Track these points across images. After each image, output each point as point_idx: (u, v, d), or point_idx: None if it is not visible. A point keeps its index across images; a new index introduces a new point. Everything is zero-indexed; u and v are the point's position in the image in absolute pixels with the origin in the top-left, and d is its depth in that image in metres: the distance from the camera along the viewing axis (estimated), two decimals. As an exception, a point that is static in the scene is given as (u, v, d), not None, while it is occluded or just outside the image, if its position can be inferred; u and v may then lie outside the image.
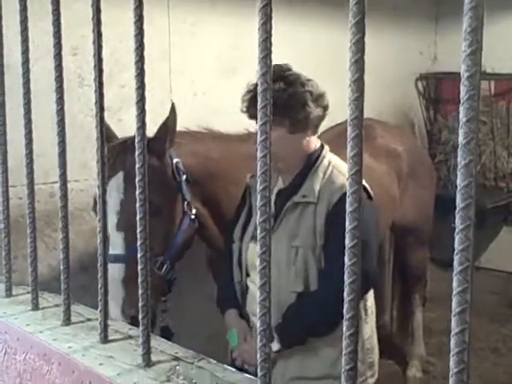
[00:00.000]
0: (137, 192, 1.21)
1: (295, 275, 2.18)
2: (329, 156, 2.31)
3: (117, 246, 2.32)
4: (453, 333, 0.71)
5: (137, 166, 1.21)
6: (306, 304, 2.18)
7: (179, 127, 2.56)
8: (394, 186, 3.49)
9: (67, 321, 1.43)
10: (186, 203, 2.50)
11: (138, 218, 1.21)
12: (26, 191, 1.55)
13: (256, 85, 2.23)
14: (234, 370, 1.19)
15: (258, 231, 0.96)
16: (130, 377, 1.16)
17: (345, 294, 0.84)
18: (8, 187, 1.68)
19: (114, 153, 2.37)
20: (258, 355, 0.97)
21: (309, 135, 2.25)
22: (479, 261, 5.23)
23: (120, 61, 3.13)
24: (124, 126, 3.03)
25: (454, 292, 0.70)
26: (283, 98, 2.11)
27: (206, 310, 3.65)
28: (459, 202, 0.70)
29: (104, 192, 1.34)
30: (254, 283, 2.33)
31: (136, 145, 1.20)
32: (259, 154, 0.95)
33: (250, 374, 2.23)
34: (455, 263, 0.72)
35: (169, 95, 3.45)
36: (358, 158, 0.79)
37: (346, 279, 0.85)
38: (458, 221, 0.70)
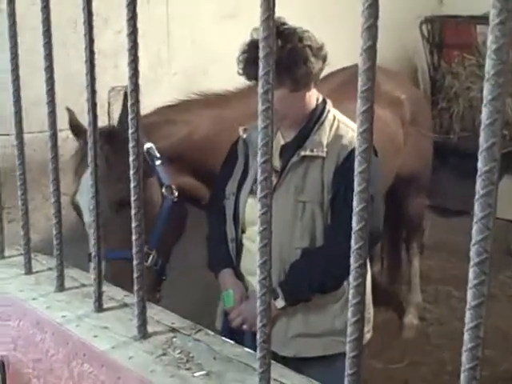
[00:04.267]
0: (132, 184, 1.14)
1: (301, 231, 2.14)
2: (333, 110, 2.26)
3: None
4: (466, 327, 0.66)
5: (130, 130, 1.14)
6: (312, 260, 2.14)
7: (169, 87, 2.47)
8: (398, 134, 3.42)
9: (61, 287, 1.39)
10: (164, 188, 2.43)
11: (132, 212, 1.14)
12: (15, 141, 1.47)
13: (251, 44, 2.15)
14: (232, 342, 1.16)
15: (259, 190, 0.90)
16: (125, 350, 1.13)
17: (351, 260, 0.79)
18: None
19: (83, 151, 2.29)
20: (258, 335, 0.93)
21: (310, 89, 2.19)
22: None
23: (116, 5, 2.99)
24: (119, 72, 2.92)
25: (470, 285, 0.65)
26: (282, 55, 2.01)
27: (203, 258, 3.65)
28: (479, 189, 0.63)
29: (95, 142, 1.28)
30: (251, 240, 2.28)
31: (128, 94, 1.12)
32: (260, 108, 0.88)
33: (244, 336, 2.25)
34: (472, 254, 0.66)
35: (166, 41, 3.32)
36: (369, 115, 0.72)
37: (353, 244, 0.79)
38: (476, 208, 0.64)
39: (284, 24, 2.11)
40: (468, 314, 0.65)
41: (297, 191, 2.14)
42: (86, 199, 2.28)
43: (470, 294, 0.65)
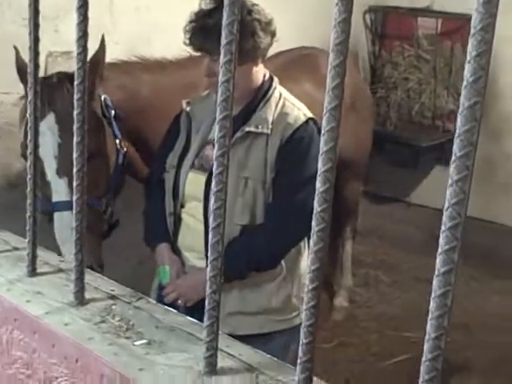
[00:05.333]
0: (75, 127, 1.07)
1: (242, 207, 2.11)
2: (279, 88, 2.24)
3: (61, 192, 2.20)
4: (434, 295, 0.64)
5: (75, 96, 1.06)
6: (251, 237, 2.12)
7: (111, 57, 2.39)
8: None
9: (-10, 250, 1.30)
10: (118, 141, 2.39)
11: (75, 158, 1.07)
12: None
13: (199, 13, 2.09)
14: (175, 311, 1.12)
15: (215, 166, 0.86)
16: (60, 316, 1.06)
17: (313, 223, 0.75)
18: None
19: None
20: (207, 302, 0.89)
21: (257, 65, 2.15)
22: (410, 197, 5.34)
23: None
24: (61, 37, 2.79)
25: (440, 250, 0.63)
26: None
27: (136, 234, 3.58)
28: (456, 150, 0.60)
29: (36, 108, 1.19)
30: (190, 215, 2.25)
31: (76, 58, 1.05)
32: (221, 78, 0.84)
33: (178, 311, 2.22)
34: (444, 218, 0.64)
35: (109, 9, 3.19)
36: (339, 91, 0.69)
37: (316, 207, 0.75)
38: (452, 170, 0.61)
39: None
40: (436, 281, 0.63)
41: (239, 167, 2.11)
42: (49, 143, 2.21)
43: (439, 260, 0.63)
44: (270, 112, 2.15)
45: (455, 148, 0.61)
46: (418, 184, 5.31)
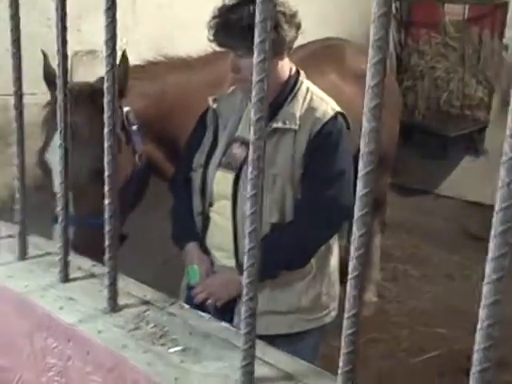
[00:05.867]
0: (105, 131, 1.05)
1: (271, 204, 2.08)
2: (306, 82, 2.20)
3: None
4: (484, 303, 0.61)
5: (105, 98, 1.04)
6: (281, 236, 2.09)
7: (134, 56, 2.36)
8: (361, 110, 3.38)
9: (23, 255, 1.29)
10: (137, 156, 2.36)
11: (106, 163, 1.06)
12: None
13: (223, 8, 2.06)
14: (208, 316, 1.10)
15: (250, 169, 0.84)
16: (94, 324, 1.05)
17: (354, 228, 0.73)
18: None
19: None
20: (243, 309, 0.87)
21: (283, 59, 2.11)
22: (439, 189, 5.25)
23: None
24: (84, 36, 2.79)
25: (491, 256, 0.60)
26: (253, 21, 1.93)
27: (162, 233, 3.57)
28: (508, 149, 0.56)
29: (66, 109, 1.18)
30: (219, 213, 2.22)
31: (105, 60, 1.03)
32: (255, 78, 0.81)
33: (207, 312, 2.21)
34: (494, 222, 0.60)
35: (132, 7, 3.17)
36: (379, 89, 0.66)
37: (357, 211, 0.73)
38: (503, 172, 0.58)
39: None
40: (486, 289, 0.60)
41: (267, 164, 2.07)
42: (57, 157, 2.20)
43: (489, 266, 0.60)
44: (298, 107, 2.12)
45: (506, 148, 0.58)
46: (446, 175, 5.22)
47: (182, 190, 2.31)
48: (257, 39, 0.80)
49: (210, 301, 2.15)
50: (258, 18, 0.79)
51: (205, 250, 2.25)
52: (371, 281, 4.22)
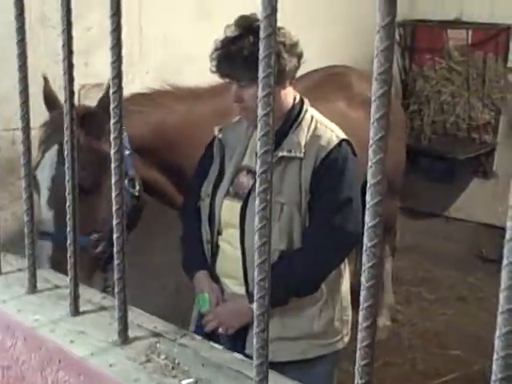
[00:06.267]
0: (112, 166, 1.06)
1: (279, 232, 2.08)
2: (310, 110, 2.21)
3: (46, 223, 2.24)
4: (499, 333, 0.60)
5: (112, 135, 1.05)
6: (290, 263, 2.09)
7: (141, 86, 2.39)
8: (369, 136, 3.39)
9: (33, 288, 1.29)
10: (127, 180, 2.35)
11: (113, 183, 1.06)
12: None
13: (225, 40, 2.09)
14: (220, 348, 1.09)
15: (257, 202, 0.84)
16: (105, 357, 1.04)
17: (364, 259, 0.73)
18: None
19: (53, 124, 2.25)
20: (255, 341, 0.86)
21: (285, 87, 2.13)
22: (448, 211, 5.23)
23: (86, 0, 2.89)
24: (91, 71, 2.82)
25: (504, 286, 0.59)
26: (254, 51, 1.97)
27: (173, 261, 3.57)
28: None
29: (73, 148, 1.19)
30: (227, 242, 2.23)
31: (112, 97, 1.05)
32: (260, 112, 0.82)
33: (219, 340, 2.20)
34: (506, 251, 0.60)
35: (138, 40, 3.21)
36: (385, 121, 0.66)
37: (366, 241, 0.73)
38: None
39: (257, 20, 2.05)
40: (501, 319, 0.59)
41: (274, 192, 2.07)
42: (45, 174, 2.26)
43: (503, 296, 0.59)
44: (303, 135, 2.13)
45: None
46: (456, 198, 5.21)
47: (192, 219, 2.32)
48: (261, 74, 0.81)
49: (220, 330, 2.14)
50: (261, 53, 0.80)
51: (215, 278, 2.25)
52: (384, 305, 4.20)
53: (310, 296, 2.16)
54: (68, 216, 1.18)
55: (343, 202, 2.10)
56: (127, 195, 2.34)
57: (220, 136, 2.26)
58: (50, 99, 2.35)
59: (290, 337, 2.17)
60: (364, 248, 0.72)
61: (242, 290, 2.19)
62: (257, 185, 0.82)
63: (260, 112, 0.81)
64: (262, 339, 0.85)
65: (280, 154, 2.09)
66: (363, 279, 0.73)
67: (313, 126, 2.16)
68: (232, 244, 2.20)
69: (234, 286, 2.23)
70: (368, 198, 0.69)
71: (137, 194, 2.40)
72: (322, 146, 2.10)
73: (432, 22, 5.01)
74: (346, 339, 2.32)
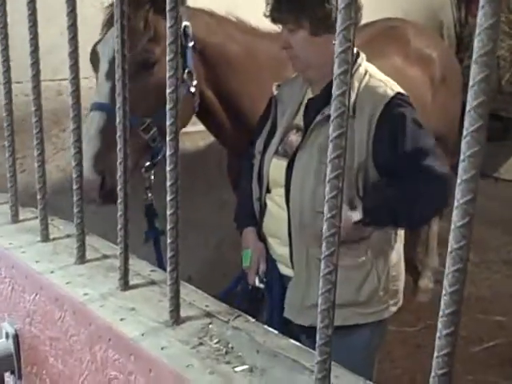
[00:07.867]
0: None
1: (323, 195, 2.01)
2: (365, 64, 2.10)
3: (103, 94, 2.19)
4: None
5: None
6: (402, 191, 2.02)
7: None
8: (427, 94, 3.25)
9: (81, 259, 1.26)
10: (186, 71, 2.30)
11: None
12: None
13: None
14: (276, 333, 1.04)
15: (328, 170, 0.77)
16: (157, 339, 1.00)
17: (448, 262, 0.66)
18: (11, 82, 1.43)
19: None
20: (318, 337, 0.81)
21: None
22: (499, 172, 5.08)
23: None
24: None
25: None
26: None
27: (214, 218, 3.55)
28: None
29: (125, 116, 1.12)
30: (273, 201, 2.20)
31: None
32: (335, 92, 0.73)
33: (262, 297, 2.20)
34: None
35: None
36: (484, 110, 0.58)
37: (453, 243, 0.66)
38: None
39: None
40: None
41: (320, 152, 2.00)
42: (107, 47, 2.22)
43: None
44: (353, 91, 2.02)
45: None
46: (506, 159, 5.04)
47: (247, 175, 2.32)
48: (338, 49, 0.72)
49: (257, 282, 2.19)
50: (339, 25, 0.71)
51: (262, 237, 2.26)
52: (428, 267, 4.14)
53: (355, 264, 2.10)
54: (119, 187, 1.12)
55: (426, 147, 2.00)
56: (183, 87, 2.28)
57: (275, 93, 2.23)
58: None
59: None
60: (449, 250, 0.65)
61: (285, 251, 2.16)
62: (329, 151, 0.75)
63: (334, 91, 0.73)
64: (326, 335, 0.79)
65: (327, 111, 2.00)
66: (446, 283, 0.66)
67: (365, 80, 2.06)
68: (278, 204, 2.17)
69: (279, 246, 2.21)
70: (457, 195, 0.61)
71: (193, 89, 2.34)
72: (376, 102, 2.01)
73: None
74: (393, 308, 2.27)
